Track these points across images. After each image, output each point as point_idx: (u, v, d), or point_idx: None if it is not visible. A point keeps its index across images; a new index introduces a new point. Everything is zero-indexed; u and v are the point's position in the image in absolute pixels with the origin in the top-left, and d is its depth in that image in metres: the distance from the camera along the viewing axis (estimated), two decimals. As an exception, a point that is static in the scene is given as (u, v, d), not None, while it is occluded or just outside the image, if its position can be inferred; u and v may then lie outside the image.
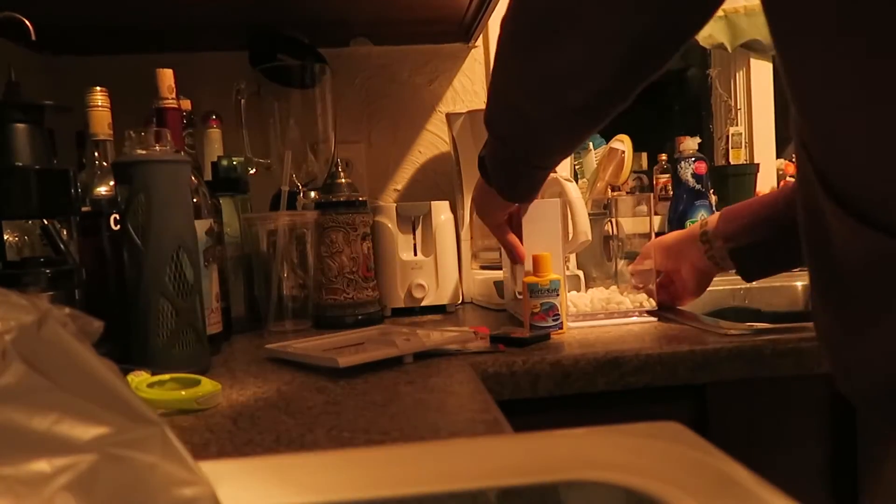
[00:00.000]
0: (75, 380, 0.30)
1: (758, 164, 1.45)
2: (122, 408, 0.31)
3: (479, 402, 0.58)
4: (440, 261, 1.10)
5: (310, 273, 1.02)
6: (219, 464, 0.39)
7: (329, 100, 1.13)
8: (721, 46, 1.42)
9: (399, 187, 1.36)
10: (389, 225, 1.11)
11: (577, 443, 0.39)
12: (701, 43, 1.38)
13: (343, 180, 1.05)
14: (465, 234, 1.18)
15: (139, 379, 0.59)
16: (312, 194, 1.05)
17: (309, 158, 1.15)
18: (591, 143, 1.39)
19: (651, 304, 0.92)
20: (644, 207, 1.23)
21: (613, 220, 1.24)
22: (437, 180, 1.35)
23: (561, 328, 0.85)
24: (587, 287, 1.02)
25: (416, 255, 1.13)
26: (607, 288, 1.00)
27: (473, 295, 1.17)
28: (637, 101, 0.63)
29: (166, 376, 0.61)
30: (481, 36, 1.33)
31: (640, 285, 0.94)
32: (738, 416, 0.78)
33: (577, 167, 1.39)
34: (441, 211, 1.11)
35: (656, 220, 1.37)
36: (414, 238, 1.13)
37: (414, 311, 1.11)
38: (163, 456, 0.30)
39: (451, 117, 1.18)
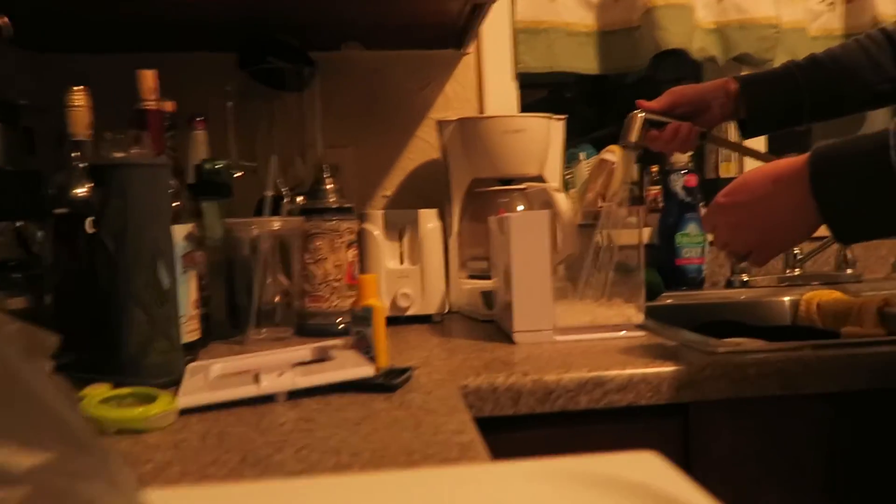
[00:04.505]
0: (14, 403, 0.28)
1: (749, 178, 1.45)
2: (65, 433, 0.29)
3: (457, 421, 0.56)
4: (426, 270, 1.09)
5: (293, 280, 1.00)
6: (175, 492, 0.38)
7: (318, 104, 1.12)
8: (713, 59, 1.41)
9: (388, 193, 1.35)
10: (376, 232, 1.09)
11: (547, 475, 0.37)
12: (693, 56, 1.37)
13: (329, 186, 1.03)
14: (452, 242, 1.16)
15: (96, 392, 0.57)
16: (299, 199, 1.04)
17: (296, 163, 1.13)
18: (582, 154, 1.38)
19: (639, 318, 0.91)
20: (634, 219, 1.22)
21: (604, 231, 1.23)
22: (426, 187, 1.34)
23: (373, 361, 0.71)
24: (576, 299, 1.01)
25: (402, 263, 1.11)
26: (597, 300, 0.98)
27: (460, 305, 1.15)
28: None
29: (126, 390, 0.59)
30: (474, 42, 1.32)
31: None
32: (721, 435, 0.77)
33: (567, 177, 1.37)
34: (428, 219, 1.10)
35: (646, 231, 1.36)
36: (400, 246, 1.11)
37: (399, 321, 1.09)
38: (107, 487, 0.29)
39: (441, 124, 1.17)
